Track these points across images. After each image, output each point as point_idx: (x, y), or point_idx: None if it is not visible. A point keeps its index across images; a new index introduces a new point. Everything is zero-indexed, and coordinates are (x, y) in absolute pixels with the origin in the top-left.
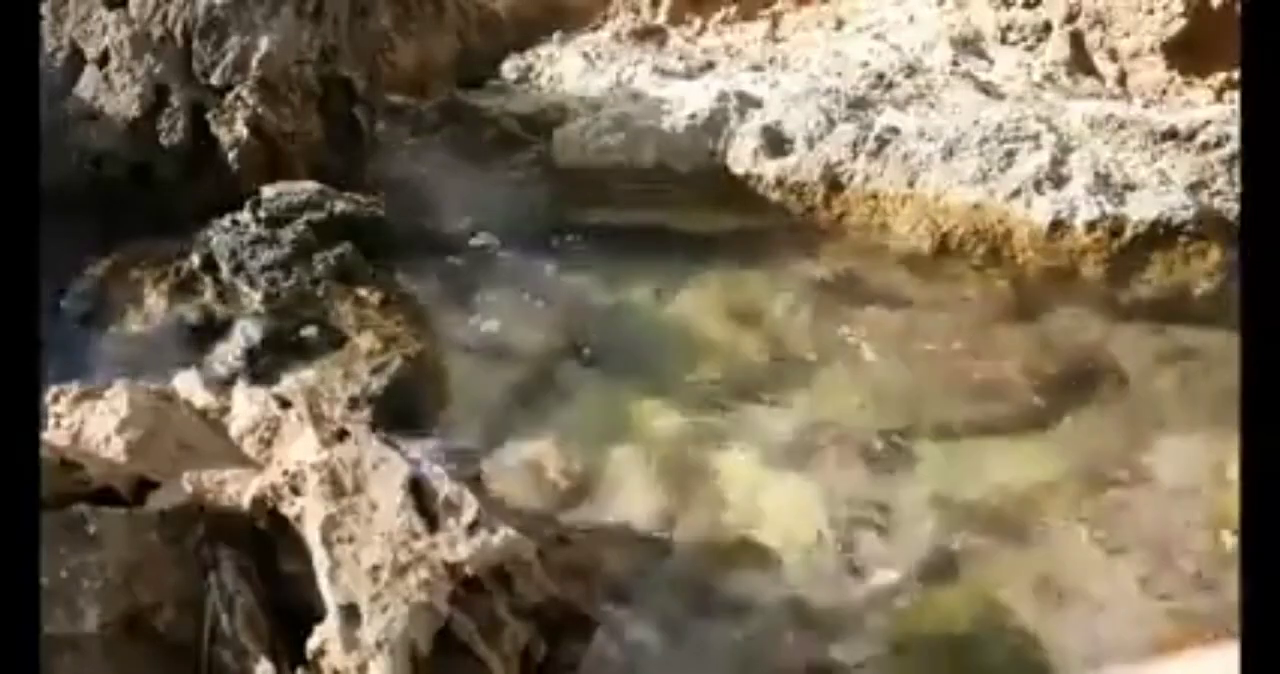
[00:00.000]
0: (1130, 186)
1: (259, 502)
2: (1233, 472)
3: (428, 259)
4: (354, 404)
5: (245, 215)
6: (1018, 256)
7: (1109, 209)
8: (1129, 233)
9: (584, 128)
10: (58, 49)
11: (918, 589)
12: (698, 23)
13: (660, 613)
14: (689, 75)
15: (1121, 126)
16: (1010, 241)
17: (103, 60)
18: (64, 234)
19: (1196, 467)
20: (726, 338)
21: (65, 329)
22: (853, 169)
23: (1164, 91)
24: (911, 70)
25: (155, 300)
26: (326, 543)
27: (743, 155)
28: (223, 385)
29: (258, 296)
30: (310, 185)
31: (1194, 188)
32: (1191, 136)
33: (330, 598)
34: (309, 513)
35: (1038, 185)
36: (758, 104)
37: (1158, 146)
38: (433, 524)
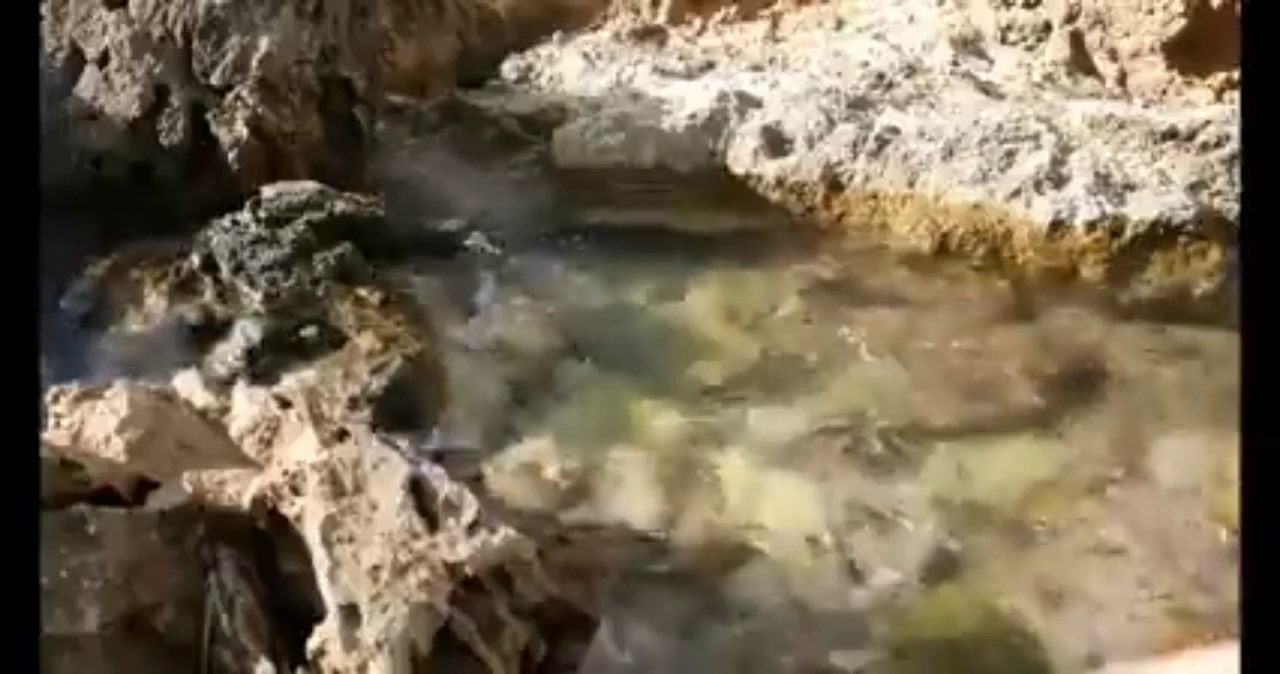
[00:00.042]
0: (1130, 186)
1: (259, 502)
2: (1233, 471)
3: (428, 259)
4: (354, 404)
5: (245, 215)
6: (1018, 257)
7: (1109, 209)
8: (1129, 233)
9: (584, 128)
10: (58, 49)
11: (918, 590)
12: (698, 23)
13: (660, 614)
14: (689, 75)
15: (1121, 126)
16: (1010, 241)
17: (103, 60)
18: (64, 234)
19: (1196, 466)
20: (726, 338)
21: (65, 329)
22: (853, 169)
23: (1164, 91)
24: (911, 70)
25: (155, 300)
26: (326, 543)
27: (743, 155)
28: (223, 385)
29: (258, 296)
30: (310, 185)
31: (1194, 188)
32: (1191, 136)
33: (330, 598)
34: (309, 513)
35: (1038, 185)
36: (758, 104)
37: (1158, 146)
38: (433, 524)
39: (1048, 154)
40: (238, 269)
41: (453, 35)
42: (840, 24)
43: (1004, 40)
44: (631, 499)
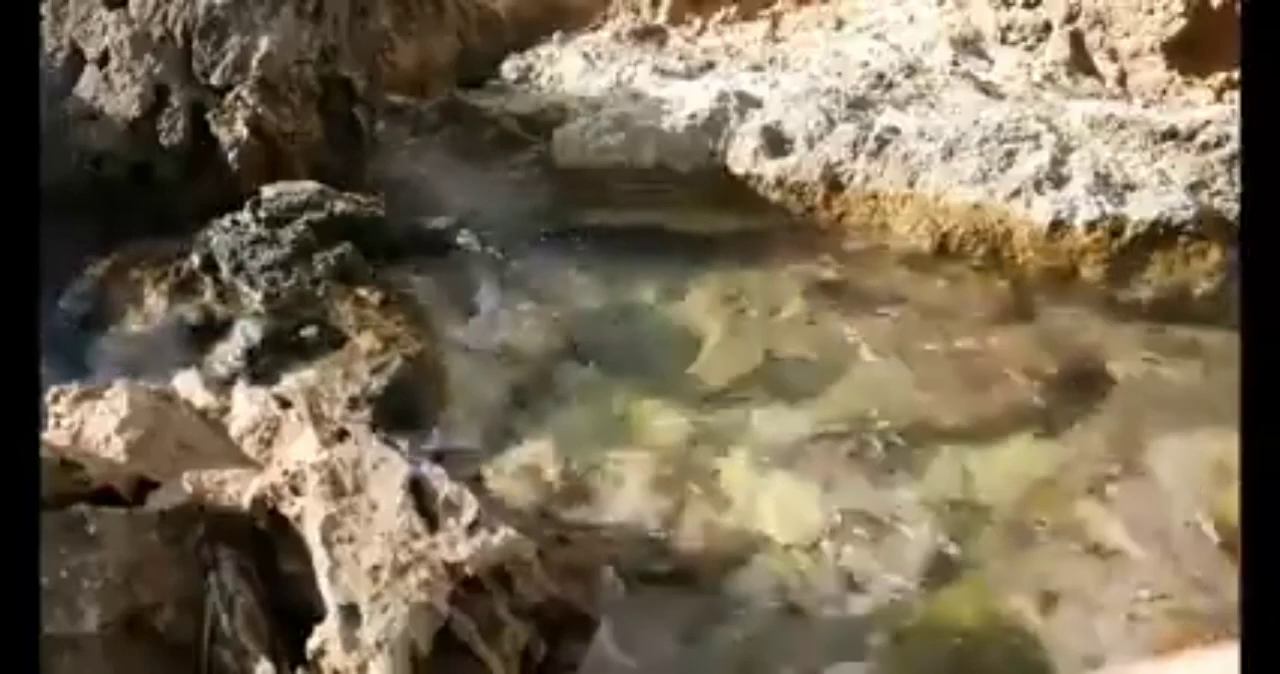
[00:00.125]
0: (1130, 186)
1: (259, 502)
2: (1233, 471)
3: (428, 259)
4: (354, 404)
5: (245, 215)
6: (1018, 257)
7: (1109, 209)
8: (1129, 233)
9: (584, 128)
10: (58, 49)
11: (918, 590)
12: (698, 23)
13: (660, 616)
14: (689, 75)
15: (1121, 126)
16: (1010, 241)
17: (103, 60)
18: (64, 234)
19: (1196, 466)
20: (726, 339)
21: (65, 329)
22: (853, 169)
23: (1164, 91)
24: (911, 70)
25: (155, 300)
26: (326, 543)
27: (743, 155)
28: (223, 385)
29: (258, 296)
30: (310, 185)
31: (1194, 188)
32: (1191, 136)
33: (330, 598)
34: (309, 513)
35: (1038, 185)
36: (758, 104)
37: (1158, 146)
38: (433, 524)
39: (1048, 154)
40: (238, 269)
41: (453, 35)
42: (840, 24)
43: (1004, 40)
44: (631, 501)
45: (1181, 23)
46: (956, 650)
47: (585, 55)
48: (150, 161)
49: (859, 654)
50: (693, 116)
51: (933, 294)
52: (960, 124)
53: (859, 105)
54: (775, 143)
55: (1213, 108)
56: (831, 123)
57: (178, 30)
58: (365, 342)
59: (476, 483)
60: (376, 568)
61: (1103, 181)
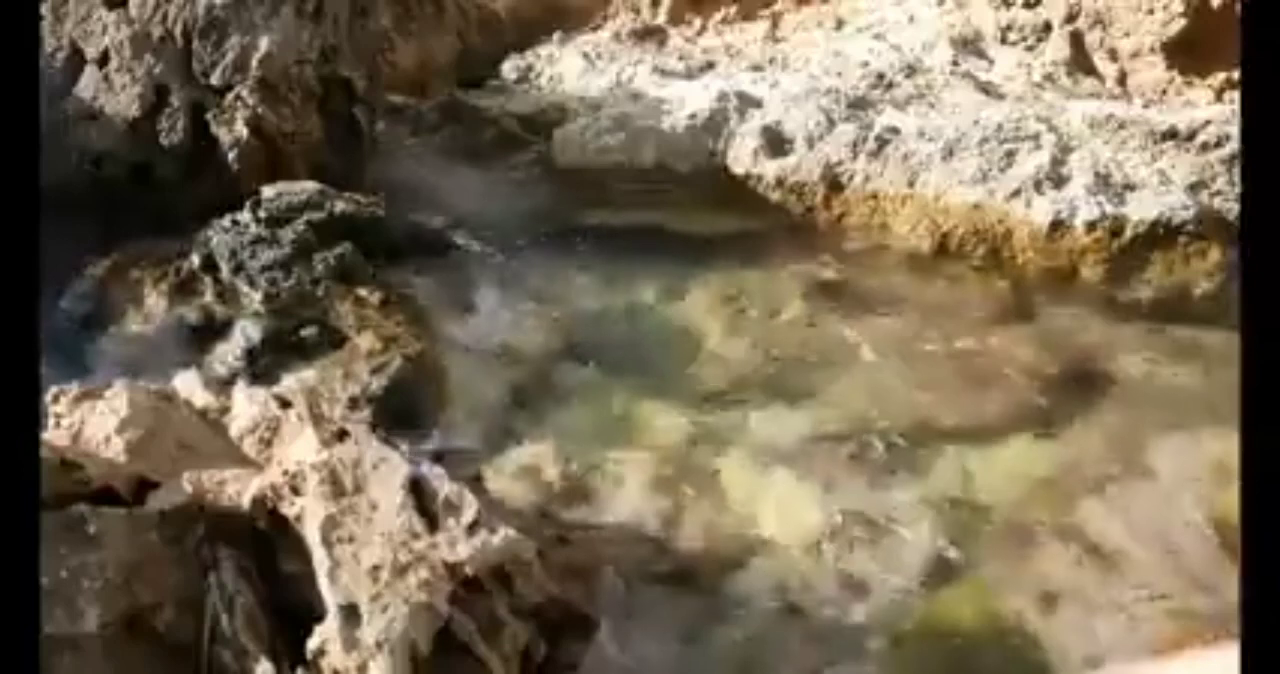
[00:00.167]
0: (1130, 186)
1: (259, 502)
2: (1233, 471)
3: (427, 259)
4: (354, 404)
5: (245, 215)
6: (1018, 257)
7: (1109, 209)
8: (1129, 233)
9: (584, 128)
10: (58, 49)
11: (918, 591)
12: (698, 23)
13: (660, 616)
14: (689, 75)
15: (1121, 126)
16: (1010, 242)
17: (103, 60)
18: (64, 234)
19: (1196, 466)
20: (726, 339)
21: (65, 329)
22: (853, 169)
23: (1164, 91)
24: (911, 70)
25: (155, 300)
26: (326, 543)
27: (743, 155)
28: (223, 385)
29: (258, 296)
30: (310, 185)
31: (1194, 188)
32: (1191, 136)
33: (330, 598)
34: (309, 513)
35: (1038, 185)
36: (758, 104)
37: (1158, 146)
38: (433, 524)
39: (1048, 154)
40: (238, 269)
41: (453, 35)
42: (840, 24)
43: (1004, 40)
44: (631, 501)
45: (1181, 23)
46: (956, 650)
47: (585, 55)
48: (150, 161)
49: (859, 655)
50: (693, 116)
51: (933, 294)
52: (960, 124)
53: (859, 105)
54: (775, 143)
55: (1213, 108)
56: (831, 123)
57: (178, 30)
58: (365, 342)
59: (476, 483)
60: (376, 568)
61: (1103, 181)
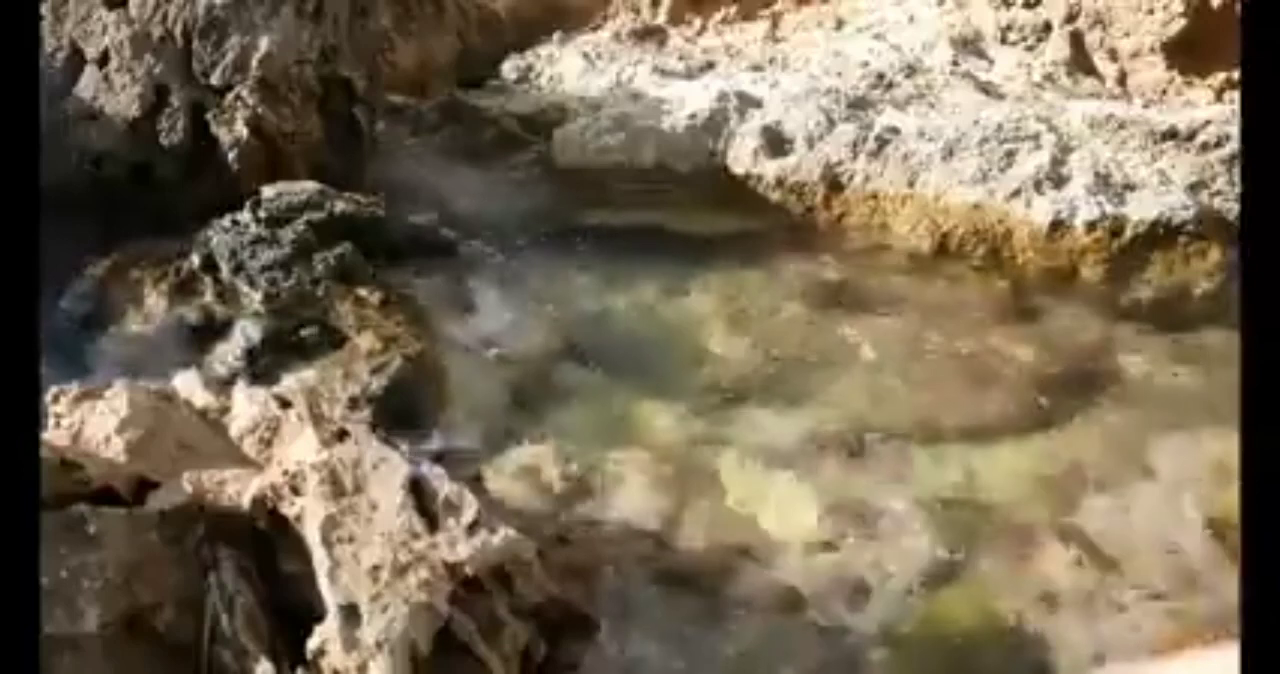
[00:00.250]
0: (1130, 186)
1: (259, 502)
2: (1233, 471)
3: (427, 259)
4: (354, 404)
5: (245, 215)
6: (1018, 257)
7: (1109, 209)
8: (1129, 233)
9: (584, 128)
10: (58, 49)
11: (919, 590)
12: (698, 23)
13: (660, 617)
14: (689, 75)
15: (1121, 126)
16: (1010, 242)
17: (103, 60)
18: (64, 234)
19: (1196, 466)
20: (726, 339)
21: (65, 329)
22: (853, 169)
23: (1164, 91)
24: (911, 70)
25: (155, 300)
26: (326, 543)
27: (743, 155)
28: (223, 385)
29: (258, 296)
30: (310, 185)
31: (1194, 188)
32: (1191, 136)
33: (330, 598)
34: (309, 513)
35: (1038, 185)
36: (758, 104)
37: (1158, 146)
38: (433, 524)
39: (1048, 154)
40: (238, 269)
41: (453, 35)
42: (840, 24)
43: (1004, 40)
44: (632, 500)
45: (1181, 23)
46: (957, 650)
47: (585, 55)
48: (150, 161)
49: (859, 655)
50: (693, 116)
51: (933, 294)
52: (960, 124)
53: (859, 105)
54: (775, 143)
55: (1213, 108)
56: (831, 123)
57: (178, 30)
58: (365, 341)
59: (476, 483)
60: (376, 568)
61: (1103, 181)
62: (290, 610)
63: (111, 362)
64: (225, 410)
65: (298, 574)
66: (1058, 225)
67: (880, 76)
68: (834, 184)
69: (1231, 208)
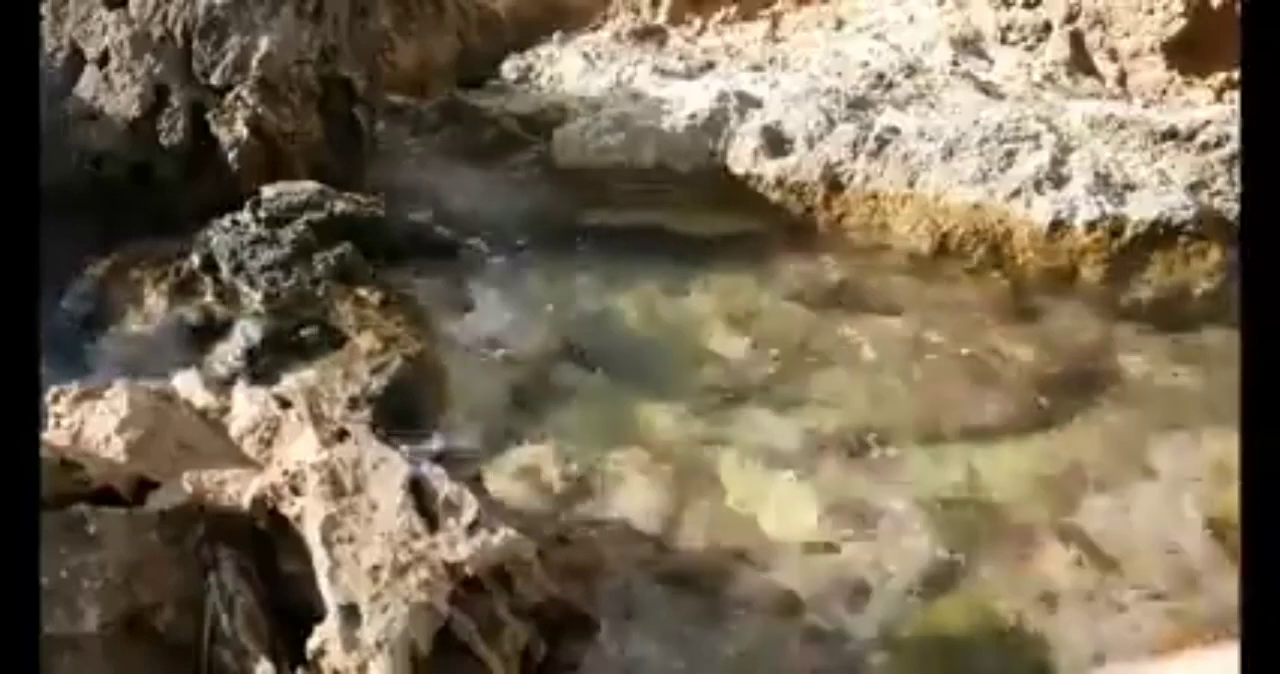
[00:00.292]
0: (1130, 186)
1: (259, 502)
2: (1233, 471)
3: (427, 259)
4: (354, 404)
5: (245, 215)
6: (1018, 257)
7: (1109, 209)
8: (1129, 233)
9: (584, 128)
10: (58, 49)
11: (919, 590)
12: (698, 23)
13: (659, 617)
14: (689, 75)
15: (1121, 126)
16: (1010, 242)
17: (103, 60)
18: (64, 234)
19: (1196, 466)
20: (726, 339)
21: (65, 329)
22: (853, 169)
23: (1164, 91)
24: (911, 70)
25: (155, 300)
26: (326, 543)
27: (743, 155)
28: (223, 385)
29: (258, 296)
30: (310, 185)
31: (1194, 188)
32: (1191, 136)
33: (330, 598)
34: (309, 513)
35: (1038, 185)
36: (758, 104)
37: (1158, 146)
38: (433, 524)
39: (1048, 154)
40: (238, 269)
41: (453, 35)
42: (840, 24)
43: (1004, 40)
44: (632, 501)
45: (1181, 23)
46: (957, 650)
47: (585, 55)
48: (150, 161)
49: (858, 655)
50: (693, 116)
51: (933, 294)
52: (960, 124)
53: (859, 105)
54: (775, 143)
55: (1213, 108)
56: (831, 123)
57: (178, 30)
58: (365, 341)
59: (476, 483)
60: (376, 568)
61: (1103, 181)
62: (290, 610)
63: (111, 361)
64: (225, 410)
65: (298, 574)
66: (1058, 225)
67: (880, 76)
68: (834, 184)
69: (1231, 208)
